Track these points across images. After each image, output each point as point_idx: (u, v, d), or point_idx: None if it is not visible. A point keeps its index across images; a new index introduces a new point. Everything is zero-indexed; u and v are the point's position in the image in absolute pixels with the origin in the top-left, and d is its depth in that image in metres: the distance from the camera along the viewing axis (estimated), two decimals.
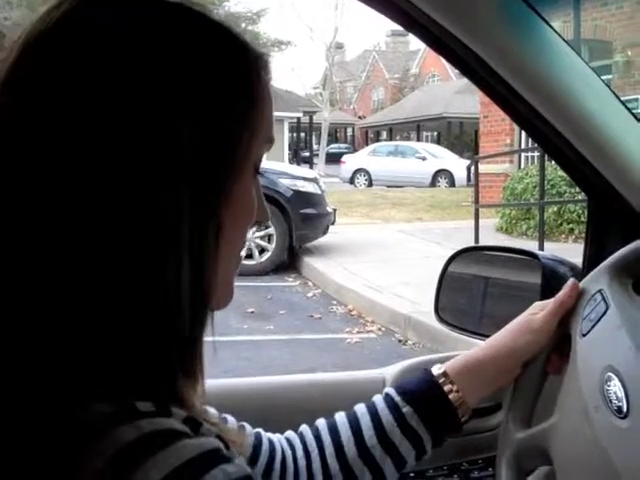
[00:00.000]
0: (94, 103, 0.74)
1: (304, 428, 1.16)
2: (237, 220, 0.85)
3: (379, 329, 8.39)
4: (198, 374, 0.83)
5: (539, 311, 1.26)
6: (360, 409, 1.18)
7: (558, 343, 1.23)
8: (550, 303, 1.25)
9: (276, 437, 1.21)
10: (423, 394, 1.19)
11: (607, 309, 1.17)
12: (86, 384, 0.71)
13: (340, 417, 1.17)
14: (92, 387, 0.71)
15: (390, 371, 1.71)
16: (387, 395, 1.19)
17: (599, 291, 1.22)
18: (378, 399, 1.19)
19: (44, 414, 0.70)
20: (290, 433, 1.15)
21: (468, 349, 1.28)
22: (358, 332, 8.24)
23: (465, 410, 1.20)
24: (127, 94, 0.75)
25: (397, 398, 1.17)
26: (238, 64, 0.83)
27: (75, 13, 0.78)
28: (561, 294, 1.25)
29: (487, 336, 1.56)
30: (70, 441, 0.69)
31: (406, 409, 1.16)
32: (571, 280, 1.27)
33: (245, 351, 7.22)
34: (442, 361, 1.50)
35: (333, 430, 1.15)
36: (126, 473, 0.68)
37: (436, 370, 1.22)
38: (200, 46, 0.80)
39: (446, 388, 1.20)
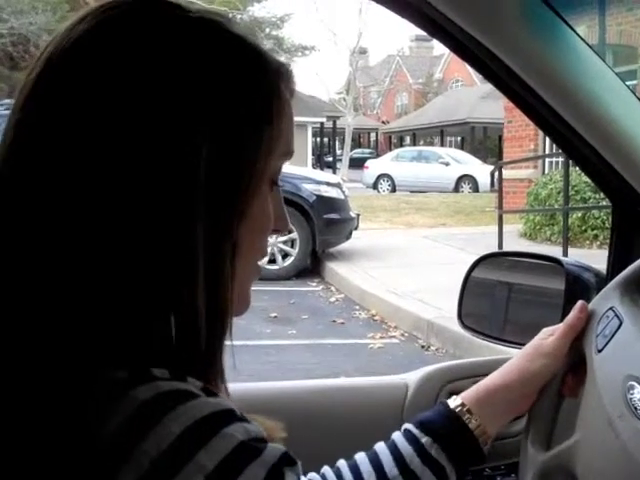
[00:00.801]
0: (113, 120, 0.76)
1: (325, 469, 1.16)
2: (253, 233, 0.87)
3: (402, 334, 8.36)
4: (219, 383, 0.85)
5: (549, 336, 1.25)
6: (379, 446, 1.17)
7: (571, 366, 1.23)
8: (560, 327, 1.24)
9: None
10: (442, 425, 1.18)
11: (621, 324, 1.16)
12: (105, 355, 0.74)
13: (360, 455, 1.16)
14: (111, 358, 0.74)
15: (413, 377, 1.70)
16: (405, 430, 1.18)
17: (611, 308, 1.21)
18: (397, 435, 1.18)
19: (65, 381, 0.73)
20: (312, 474, 1.14)
21: (491, 355, 1.27)
22: (381, 337, 8.22)
23: (486, 439, 1.19)
24: (146, 111, 0.77)
25: (415, 431, 1.16)
26: (256, 79, 0.84)
27: (97, 30, 0.80)
28: (571, 316, 1.24)
29: (510, 342, 1.56)
30: (91, 403, 0.72)
31: (425, 439, 1.15)
32: (579, 302, 1.26)
33: (268, 355, 7.23)
34: (465, 367, 1.49)
35: (354, 468, 1.14)
36: (145, 428, 0.71)
37: (452, 402, 1.21)
38: (218, 62, 0.81)
39: (465, 418, 1.19)
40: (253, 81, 0.83)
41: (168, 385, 0.74)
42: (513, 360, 1.26)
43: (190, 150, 0.78)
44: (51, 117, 0.78)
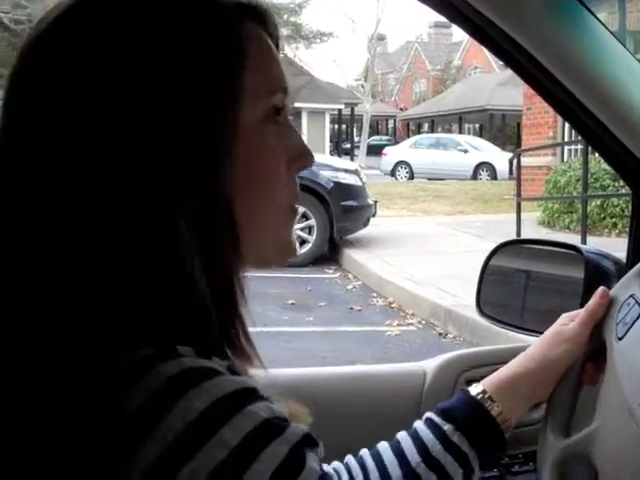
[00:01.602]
0: (84, 101, 0.78)
1: (349, 458, 1.15)
2: (261, 175, 0.87)
3: (419, 322, 8.36)
4: (250, 359, 0.88)
5: (569, 322, 1.24)
6: (401, 435, 1.17)
7: (591, 353, 1.22)
8: (581, 313, 1.23)
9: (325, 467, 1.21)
10: (464, 412, 1.17)
11: None
12: (126, 335, 0.75)
13: (382, 444, 1.16)
14: (136, 336, 0.75)
15: (431, 364, 1.70)
16: (427, 419, 1.17)
17: (631, 296, 1.20)
18: (418, 423, 1.17)
19: (90, 358, 0.74)
20: (336, 463, 1.14)
21: (509, 343, 1.26)
22: (398, 325, 8.22)
23: (507, 426, 1.18)
24: (114, 86, 0.79)
25: (437, 419, 1.15)
26: (208, 28, 0.83)
27: (65, 15, 0.83)
28: (591, 303, 1.23)
29: (529, 330, 1.55)
30: (117, 378, 0.73)
31: (447, 427, 1.14)
32: (601, 288, 1.25)
33: (286, 342, 7.25)
34: (483, 355, 1.48)
35: (376, 455, 1.14)
36: (170, 402, 0.73)
37: (474, 389, 1.20)
38: (170, 22, 0.82)
39: (487, 405, 1.18)
40: (200, 34, 0.83)
41: (193, 362, 0.75)
42: (533, 346, 1.25)
43: (161, 112, 0.79)
44: (31, 102, 0.81)
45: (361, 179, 12.16)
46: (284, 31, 36.16)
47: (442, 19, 1.45)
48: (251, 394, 0.78)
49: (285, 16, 36.42)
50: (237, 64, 0.84)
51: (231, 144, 0.82)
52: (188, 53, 0.81)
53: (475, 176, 30.29)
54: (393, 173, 31.85)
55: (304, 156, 0.93)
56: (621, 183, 12.48)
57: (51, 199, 0.78)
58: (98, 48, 0.79)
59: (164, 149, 0.79)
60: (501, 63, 1.53)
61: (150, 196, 0.78)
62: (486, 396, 1.18)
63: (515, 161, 13.27)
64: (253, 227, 0.87)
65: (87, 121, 0.78)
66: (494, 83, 40.35)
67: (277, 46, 0.94)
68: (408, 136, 46.38)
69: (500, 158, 29.09)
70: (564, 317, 1.26)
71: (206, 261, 0.81)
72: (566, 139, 16.66)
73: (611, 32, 1.37)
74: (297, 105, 33.58)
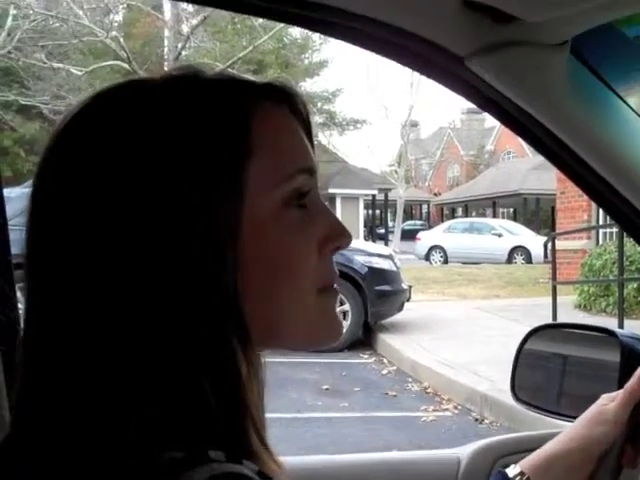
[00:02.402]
0: (97, 189, 0.76)
1: None
2: (278, 270, 0.81)
3: (455, 407, 8.26)
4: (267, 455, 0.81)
5: (609, 402, 1.23)
6: None
7: (631, 435, 1.20)
8: (620, 393, 1.23)
9: None
10: None
11: None
12: (160, 435, 0.72)
13: None
14: (166, 437, 0.72)
15: (465, 451, 1.68)
16: None
17: None
18: None
19: (119, 461, 0.71)
20: None
21: (546, 428, 1.25)
22: (434, 410, 8.13)
23: None
24: (132, 178, 0.76)
25: None
26: (221, 115, 0.79)
27: (81, 116, 0.82)
28: (631, 383, 1.22)
29: (565, 415, 1.53)
30: None
31: None
32: None
33: (320, 428, 7.17)
34: (519, 441, 1.46)
35: None
36: None
37: (511, 471, 1.19)
38: (186, 116, 0.78)
39: None
40: (219, 122, 0.79)
41: (223, 467, 0.70)
42: (572, 427, 1.24)
43: (164, 199, 0.75)
44: (56, 188, 0.79)
45: (395, 264, 12.17)
46: (318, 119, 36.64)
47: (474, 105, 1.48)
48: None
49: (319, 104, 36.96)
50: (239, 149, 0.79)
51: (236, 234, 0.77)
52: (188, 141, 0.77)
53: (510, 260, 30.18)
54: (427, 257, 31.84)
55: (338, 236, 0.87)
56: None
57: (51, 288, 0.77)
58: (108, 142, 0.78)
59: (166, 238, 0.75)
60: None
61: (154, 289, 0.75)
62: (524, 478, 1.16)
63: (550, 244, 13.22)
64: (279, 315, 0.82)
65: (96, 210, 0.76)
66: (527, 167, 40.50)
67: (308, 126, 0.89)
68: (442, 221, 46.49)
69: (535, 242, 29.04)
70: (604, 398, 1.25)
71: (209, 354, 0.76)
72: (601, 222, 16.62)
73: None
74: (331, 191, 33.89)
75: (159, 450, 0.71)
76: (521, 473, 1.17)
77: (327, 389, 8.90)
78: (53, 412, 0.75)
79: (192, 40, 28.67)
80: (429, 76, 1.38)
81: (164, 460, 0.70)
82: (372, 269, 11.56)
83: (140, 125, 0.78)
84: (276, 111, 0.83)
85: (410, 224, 50.54)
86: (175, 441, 0.71)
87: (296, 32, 33.18)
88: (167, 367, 0.74)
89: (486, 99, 1.38)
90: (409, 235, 39.66)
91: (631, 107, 1.37)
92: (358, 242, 14.25)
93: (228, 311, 0.76)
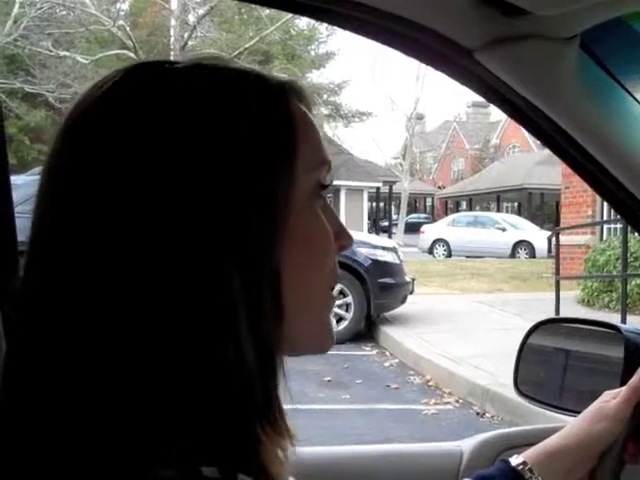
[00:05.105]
0: (136, 181, 0.74)
1: None
2: (306, 255, 0.81)
3: (456, 401, 8.26)
4: (284, 434, 0.81)
5: (611, 399, 1.23)
6: None
7: (633, 431, 1.21)
8: (623, 390, 1.23)
9: None
10: None
11: None
12: (152, 451, 0.69)
13: None
14: (159, 454, 0.69)
15: (468, 444, 1.68)
16: None
17: None
18: None
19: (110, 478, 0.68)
20: None
21: (549, 422, 1.25)
22: (435, 403, 8.12)
23: None
24: (163, 167, 0.74)
25: None
26: (258, 106, 0.80)
27: (105, 99, 0.79)
28: (634, 380, 1.23)
29: (567, 410, 1.53)
30: None
31: None
32: None
33: (321, 420, 7.18)
34: (521, 435, 1.46)
35: None
36: None
37: (514, 460, 1.19)
38: (217, 105, 0.78)
39: (527, 477, 1.17)
40: (255, 110, 0.79)
41: None
42: (575, 422, 1.24)
43: (206, 189, 0.74)
44: (70, 176, 0.76)
45: (399, 257, 12.16)
46: (323, 110, 36.61)
47: (480, 99, 1.47)
48: None
49: (325, 96, 36.89)
50: (291, 136, 0.81)
51: (286, 216, 0.78)
52: (242, 127, 0.77)
53: (513, 254, 30.18)
54: (431, 251, 31.84)
55: (345, 236, 0.88)
56: None
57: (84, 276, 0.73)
58: (160, 124, 0.76)
59: (219, 223, 0.74)
60: (539, 142, 1.54)
61: (201, 277, 0.73)
62: (526, 468, 1.17)
63: (554, 239, 13.22)
64: (296, 308, 0.80)
65: (141, 195, 0.73)
66: (532, 162, 40.43)
67: None
68: (446, 214, 46.46)
69: (539, 236, 29.04)
70: (606, 394, 1.25)
71: (253, 340, 0.75)
72: (605, 217, 16.60)
73: None
74: (336, 183, 33.81)
75: (149, 468, 0.68)
76: (524, 462, 1.18)
77: (329, 381, 8.91)
78: (36, 422, 0.72)
79: (198, 30, 28.68)
80: (438, 68, 1.38)
81: (156, 478, 0.68)
82: (375, 261, 11.55)
83: (192, 111, 0.76)
84: (300, 109, 0.85)
85: (414, 217, 50.51)
86: (166, 456, 0.69)
87: (303, 23, 33.13)
88: (189, 360, 0.72)
89: (494, 92, 1.38)
90: (413, 228, 39.65)
91: (639, 102, 1.37)
92: (362, 234, 14.23)
93: (267, 289, 0.77)
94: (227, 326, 0.73)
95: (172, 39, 29.82)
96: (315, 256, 0.83)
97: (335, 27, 1.39)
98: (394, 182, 43.94)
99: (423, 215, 55.17)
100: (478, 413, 7.81)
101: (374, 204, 46.70)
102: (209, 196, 0.74)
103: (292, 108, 0.83)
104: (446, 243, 31.89)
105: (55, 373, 0.72)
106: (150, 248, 0.72)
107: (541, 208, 42.11)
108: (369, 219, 42.07)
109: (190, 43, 28.20)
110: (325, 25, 28.89)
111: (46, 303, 0.75)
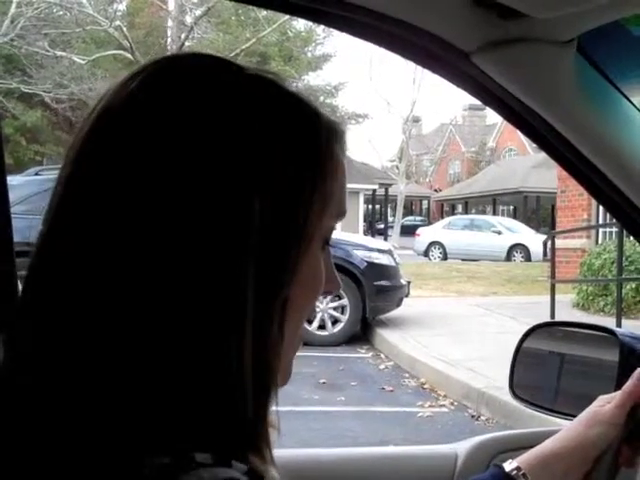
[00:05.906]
0: (168, 177, 0.73)
1: None
2: (304, 294, 0.82)
3: (451, 403, 8.26)
4: (265, 450, 0.80)
5: (606, 403, 1.23)
6: None
7: (628, 435, 1.21)
8: (618, 394, 1.23)
9: None
10: None
11: None
12: (147, 440, 0.70)
13: None
14: (153, 443, 0.70)
15: (463, 446, 1.68)
16: None
17: None
18: None
19: (104, 468, 0.69)
20: None
21: (543, 426, 1.25)
22: (430, 406, 8.13)
23: None
24: (200, 168, 0.74)
25: None
26: (310, 138, 0.81)
27: (151, 86, 0.78)
28: (628, 385, 1.23)
29: (563, 413, 1.53)
30: None
31: None
32: (638, 370, 1.24)
33: (316, 422, 7.18)
34: (516, 438, 1.46)
35: None
36: None
37: (508, 466, 1.19)
38: (273, 120, 0.78)
39: None
40: (307, 140, 0.80)
41: (210, 473, 0.69)
42: (569, 427, 1.24)
43: (243, 207, 0.74)
44: (104, 172, 0.75)
45: (394, 259, 12.17)
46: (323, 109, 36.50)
47: (476, 102, 1.48)
48: None
49: (321, 98, 36.92)
50: (333, 179, 0.82)
51: (306, 247, 0.80)
52: (295, 155, 0.78)
53: (509, 257, 30.23)
54: (426, 253, 31.86)
55: (333, 283, 0.89)
56: None
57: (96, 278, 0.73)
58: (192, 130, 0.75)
59: (248, 239, 0.74)
60: (535, 145, 1.53)
61: (220, 284, 0.74)
62: (520, 473, 1.17)
63: (549, 243, 13.22)
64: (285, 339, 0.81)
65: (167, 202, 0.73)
66: (528, 165, 40.47)
67: None
68: (442, 217, 46.50)
69: (534, 240, 29.06)
70: (601, 399, 1.25)
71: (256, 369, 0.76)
72: (600, 221, 16.62)
73: None
74: None
75: (145, 455, 0.69)
76: (517, 468, 1.18)
77: (324, 383, 8.91)
78: (37, 410, 0.72)
79: (195, 31, 28.63)
80: (434, 71, 1.38)
81: (150, 467, 0.68)
82: (371, 264, 11.55)
83: (221, 120, 0.76)
84: (339, 156, 0.85)
85: (410, 220, 50.59)
86: (161, 444, 0.70)
87: (300, 25, 33.19)
88: (193, 354, 0.73)
89: (491, 95, 1.38)
90: (408, 231, 39.70)
91: (635, 105, 1.37)
92: (357, 237, 14.24)
93: (277, 311, 0.78)
94: (232, 326, 0.74)
95: (169, 40, 29.85)
96: (308, 294, 0.84)
97: (332, 29, 1.39)
98: (390, 184, 43.97)
99: (419, 218, 55.25)
100: (473, 416, 7.81)
101: (370, 206, 46.74)
102: (248, 215, 0.75)
103: (338, 151, 0.84)
104: (442, 246, 31.90)
105: (53, 360, 0.73)
106: (182, 253, 0.73)
107: (537, 211, 42.19)
108: (365, 221, 42.10)
109: (187, 44, 28.16)
110: (322, 27, 28.88)
111: (52, 292, 0.75)
